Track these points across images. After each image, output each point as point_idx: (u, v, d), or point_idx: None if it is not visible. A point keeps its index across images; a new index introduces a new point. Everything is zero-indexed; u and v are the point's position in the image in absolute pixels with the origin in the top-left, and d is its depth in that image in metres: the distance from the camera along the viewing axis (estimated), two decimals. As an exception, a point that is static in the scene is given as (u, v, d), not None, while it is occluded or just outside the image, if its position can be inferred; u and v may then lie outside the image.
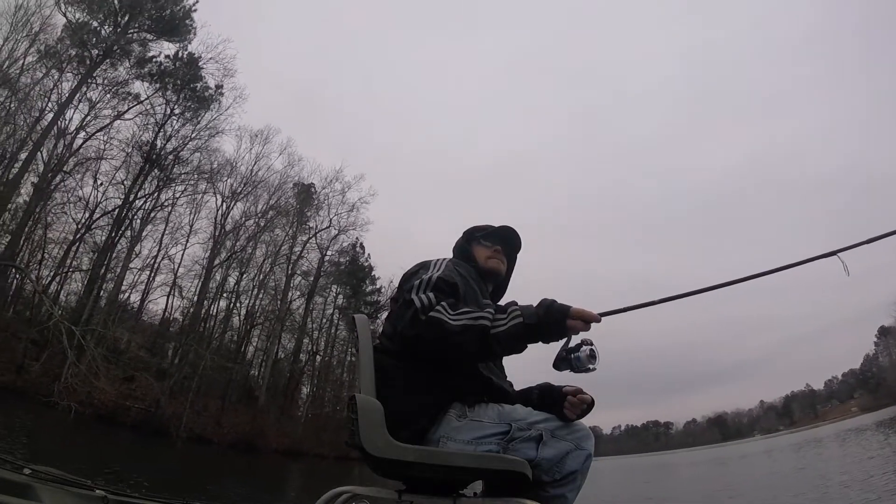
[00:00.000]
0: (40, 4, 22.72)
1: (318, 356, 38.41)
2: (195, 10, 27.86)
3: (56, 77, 24.19)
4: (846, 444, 22.97)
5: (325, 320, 39.87)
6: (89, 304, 24.41)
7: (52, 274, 25.55)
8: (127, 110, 26.92)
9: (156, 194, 28.47)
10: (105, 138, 26.46)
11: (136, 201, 27.67)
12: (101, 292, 26.26)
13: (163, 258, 30.05)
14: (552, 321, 1.55)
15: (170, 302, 30.95)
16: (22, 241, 24.00)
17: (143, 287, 29.67)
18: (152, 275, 29.73)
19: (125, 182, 27.37)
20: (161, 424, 22.54)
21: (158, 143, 28.16)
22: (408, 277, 1.85)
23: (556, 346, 1.69)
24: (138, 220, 28.02)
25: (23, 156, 22.94)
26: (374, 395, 1.62)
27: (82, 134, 25.58)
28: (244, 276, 32.80)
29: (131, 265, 28.10)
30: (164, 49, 27.85)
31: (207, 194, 31.40)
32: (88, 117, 25.64)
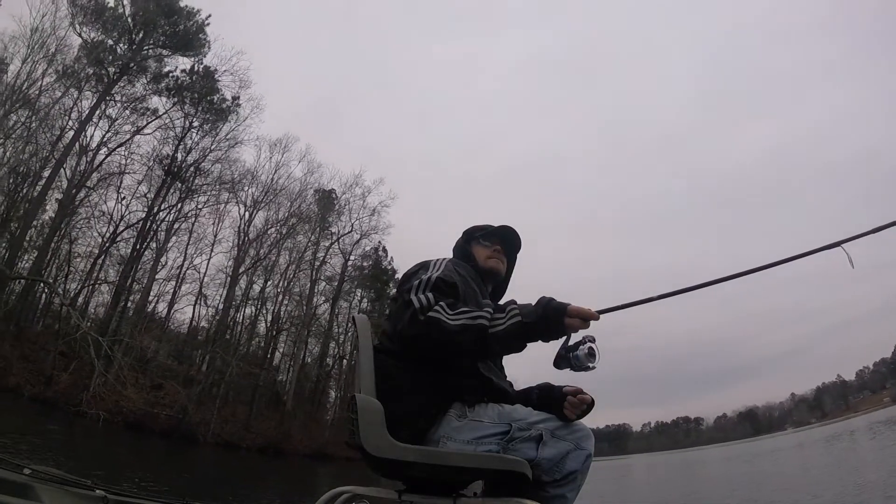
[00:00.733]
0: (55, 26, 23.41)
1: (344, 360, 38.71)
2: (208, 24, 28.35)
3: (75, 96, 24.92)
4: (878, 436, 22.37)
5: (350, 324, 39.73)
6: (115, 315, 24.98)
7: (78, 287, 26.37)
8: (146, 125, 27.58)
9: (178, 206, 29.09)
10: (126, 153, 27.22)
11: (160, 213, 28.33)
12: (128, 303, 26.86)
13: (188, 268, 30.71)
14: (550, 320, 1.54)
15: (196, 310, 31.64)
16: (48, 256, 24.74)
17: (170, 297, 30.39)
18: (178, 284, 30.40)
19: (148, 195, 28.05)
20: (189, 431, 22.93)
21: (179, 155, 28.79)
22: (407, 277, 1.85)
23: (557, 345, 1.69)
24: (163, 232, 28.68)
25: (46, 173, 23.67)
26: (374, 395, 1.62)
27: (104, 150, 26.35)
28: (269, 282, 33.29)
29: (157, 276, 28.75)
30: (179, 64, 28.43)
31: (230, 204, 31.97)
32: (109, 133, 26.41)
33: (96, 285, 27.16)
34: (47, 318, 25.49)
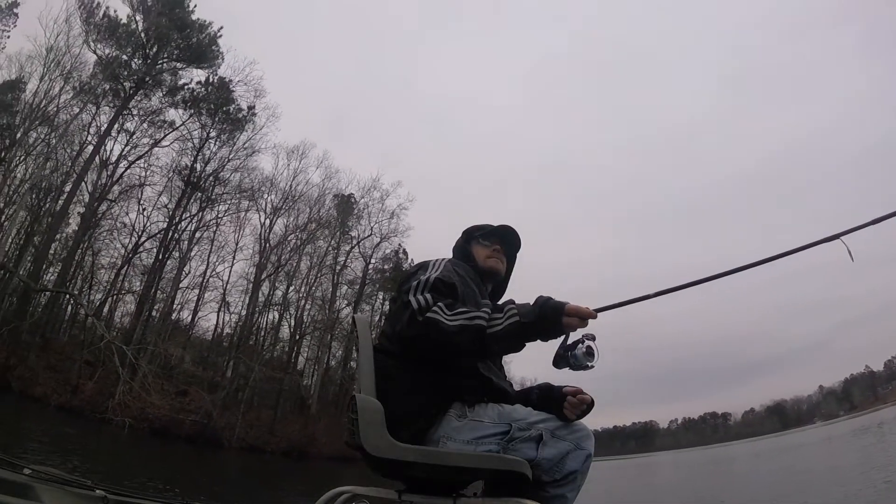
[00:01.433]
0: (69, 45, 23.94)
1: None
2: (220, 36, 28.77)
3: (93, 111, 25.59)
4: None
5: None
6: (139, 323, 25.53)
7: (103, 297, 27.08)
8: (163, 137, 28.15)
9: (199, 215, 29.67)
10: (145, 165, 27.86)
11: (181, 223, 28.90)
12: (153, 312, 27.41)
13: (210, 275, 31.33)
14: (548, 319, 1.53)
15: (220, 317, 32.31)
16: (73, 269, 25.40)
17: (194, 304, 31.03)
18: (201, 292, 31.03)
19: (168, 206, 28.67)
20: (214, 435, 23.30)
21: (198, 166, 29.33)
22: (406, 278, 1.84)
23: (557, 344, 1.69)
24: (185, 241, 29.29)
25: (67, 187, 24.35)
26: (374, 395, 1.62)
27: (123, 163, 27.03)
28: (291, 288, 33.69)
29: (181, 284, 29.36)
30: (194, 76, 28.97)
31: (250, 211, 32.50)
32: (128, 147, 27.10)
33: (120, 295, 27.85)
34: (73, 328, 26.15)
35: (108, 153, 26.45)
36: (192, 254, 29.94)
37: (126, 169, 27.05)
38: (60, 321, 26.24)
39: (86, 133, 25.50)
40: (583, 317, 1.54)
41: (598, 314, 1.61)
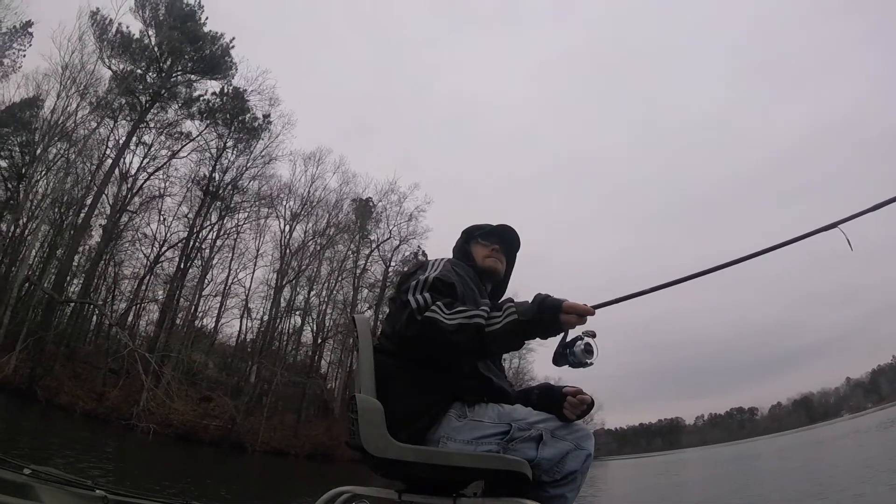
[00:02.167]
0: (83, 62, 24.42)
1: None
2: (233, 47, 29.17)
3: (111, 125, 26.16)
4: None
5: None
6: (163, 331, 26.02)
7: (126, 307, 27.70)
8: (180, 149, 28.71)
9: (219, 224, 30.19)
10: (164, 176, 28.43)
11: (202, 232, 29.40)
12: (176, 320, 27.94)
13: (232, 282, 31.88)
14: (546, 317, 1.52)
15: (243, 323, 32.76)
16: (96, 279, 25.97)
17: (217, 311, 31.65)
18: (224, 299, 31.59)
19: (189, 215, 29.22)
20: (238, 440, 23.64)
21: (216, 175, 29.82)
22: (406, 278, 1.84)
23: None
24: (206, 249, 29.85)
25: (88, 200, 24.91)
26: (374, 395, 1.62)
27: (143, 175, 27.58)
28: (312, 292, 34.07)
29: (204, 292, 29.94)
30: (209, 87, 29.41)
31: (269, 218, 32.92)
32: (146, 159, 27.64)
33: (143, 304, 28.43)
34: (98, 338, 26.74)
35: (127, 166, 27.07)
36: (214, 262, 30.52)
37: (145, 181, 27.64)
38: (85, 331, 26.87)
39: (104, 147, 26.09)
40: (581, 314, 1.53)
41: (597, 311, 1.59)
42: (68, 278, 24.64)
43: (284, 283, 31.99)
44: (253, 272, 32.73)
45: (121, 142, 26.14)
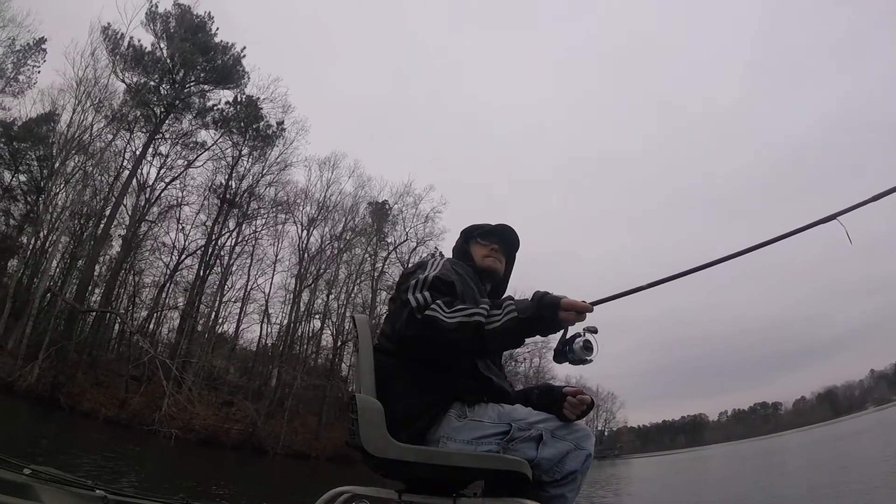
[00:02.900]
0: (97, 76, 25.01)
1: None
2: (244, 56, 29.54)
3: (127, 137, 26.77)
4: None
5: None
6: (183, 338, 26.45)
7: (147, 315, 28.20)
8: (196, 158, 29.24)
9: (237, 230, 30.67)
10: (181, 186, 29.00)
11: (220, 239, 29.90)
12: (197, 326, 28.40)
13: (251, 288, 32.35)
14: (545, 314, 1.53)
15: (263, 328, 33.19)
16: (117, 288, 26.48)
17: (237, 317, 32.19)
18: (244, 305, 32.10)
19: (207, 223, 29.68)
20: (259, 443, 23.88)
21: (233, 183, 30.31)
22: (405, 277, 1.84)
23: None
24: (225, 257, 30.32)
25: (108, 211, 25.46)
26: (374, 395, 1.62)
27: (160, 185, 28.15)
28: (331, 296, 34.41)
29: (224, 298, 30.51)
30: (222, 96, 29.87)
31: (287, 224, 33.29)
32: (163, 169, 28.21)
33: (164, 312, 28.95)
34: (121, 345, 27.25)
35: (144, 176, 27.63)
36: (233, 268, 31.02)
37: (162, 191, 28.20)
38: (108, 339, 27.46)
39: (121, 158, 26.72)
40: (579, 311, 1.54)
41: (595, 307, 1.61)
42: (90, 288, 25.23)
43: (303, 287, 32.34)
44: (272, 277, 33.17)
45: (137, 153, 26.77)
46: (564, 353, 1.70)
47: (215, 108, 29.51)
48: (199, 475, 13.26)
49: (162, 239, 28.79)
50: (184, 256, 28.99)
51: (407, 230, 37.10)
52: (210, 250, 29.25)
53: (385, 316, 2.01)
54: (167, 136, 27.99)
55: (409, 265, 2.19)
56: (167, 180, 28.16)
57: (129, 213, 26.97)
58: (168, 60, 26.93)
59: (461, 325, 1.56)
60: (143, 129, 26.94)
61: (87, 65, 24.56)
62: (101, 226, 25.06)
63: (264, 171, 31.10)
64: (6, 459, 2.13)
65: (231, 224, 30.32)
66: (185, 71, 27.50)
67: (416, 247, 37.49)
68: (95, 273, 25.60)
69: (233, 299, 31.48)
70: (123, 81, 26.10)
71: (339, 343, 34.04)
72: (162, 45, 27.08)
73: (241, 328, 32.61)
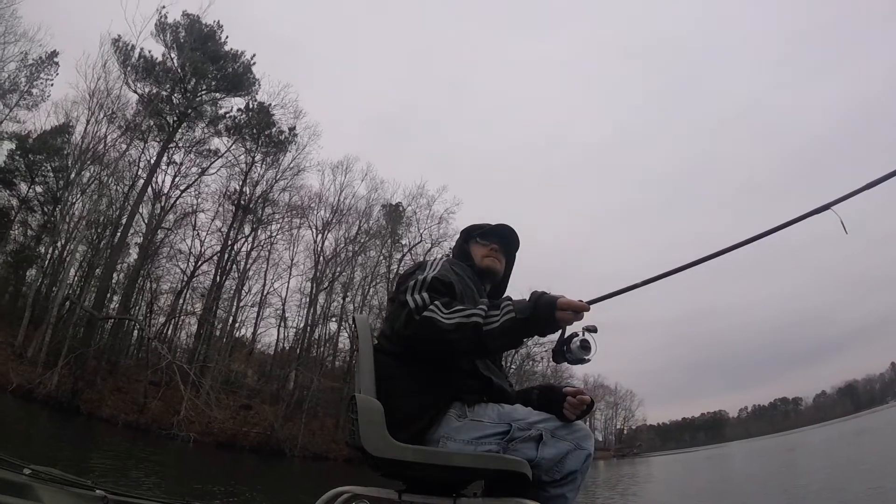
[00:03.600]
0: (109, 87, 25.56)
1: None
2: (254, 64, 29.84)
3: (141, 147, 27.24)
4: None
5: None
6: (201, 343, 26.80)
7: (165, 320, 28.62)
8: (210, 165, 29.67)
9: (252, 236, 31.03)
10: (196, 193, 29.48)
11: (236, 245, 30.27)
12: (214, 331, 28.77)
13: (268, 292, 32.74)
14: (542, 314, 1.53)
15: (280, 332, 33.64)
16: (135, 295, 26.90)
17: (254, 321, 32.64)
18: (261, 309, 32.51)
19: (222, 229, 30.09)
20: (277, 446, 24.12)
21: (247, 189, 30.61)
22: (405, 278, 1.83)
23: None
24: (241, 262, 30.74)
25: (124, 220, 25.89)
26: (374, 395, 1.62)
27: (175, 192, 28.59)
28: (346, 299, 34.61)
29: (241, 303, 30.95)
30: (234, 104, 30.22)
31: (302, 228, 33.65)
32: (177, 177, 28.63)
33: (181, 317, 29.36)
34: (140, 351, 27.70)
35: (159, 185, 28.08)
36: (250, 273, 31.41)
37: (177, 198, 28.63)
38: (127, 345, 27.91)
39: (136, 167, 27.17)
40: (576, 310, 1.54)
41: (592, 306, 1.60)
42: (108, 295, 25.71)
43: (319, 290, 32.62)
44: (288, 281, 33.56)
45: (151, 162, 27.16)
46: (562, 352, 1.69)
47: (227, 115, 29.91)
48: (216, 477, 13.43)
49: (178, 246, 29.25)
50: (200, 262, 29.44)
51: (421, 231, 37.16)
52: (226, 256, 29.64)
53: (385, 316, 2.01)
54: (180, 144, 28.44)
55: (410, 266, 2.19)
56: (182, 188, 28.64)
57: (146, 221, 27.45)
58: (179, 70, 27.32)
59: (459, 326, 1.56)
60: (157, 139, 27.41)
61: (99, 77, 25.15)
62: (118, 234, 25.50)
63: (278, 177, 31.45)
64: (6, 459, 2.14)
65: (246, 229, 30.71)
66: (197, 80, 27.81)
67: (430, 248, 37.53)
68: (113, 281, 26.13)
69: (250, 304, 31.93)
70: (136, 92, 26.60)
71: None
72: (172, 55, 27.51)
73: (258, 332, 33.10)
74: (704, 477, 23.07)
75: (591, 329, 1.65)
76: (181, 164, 28.63)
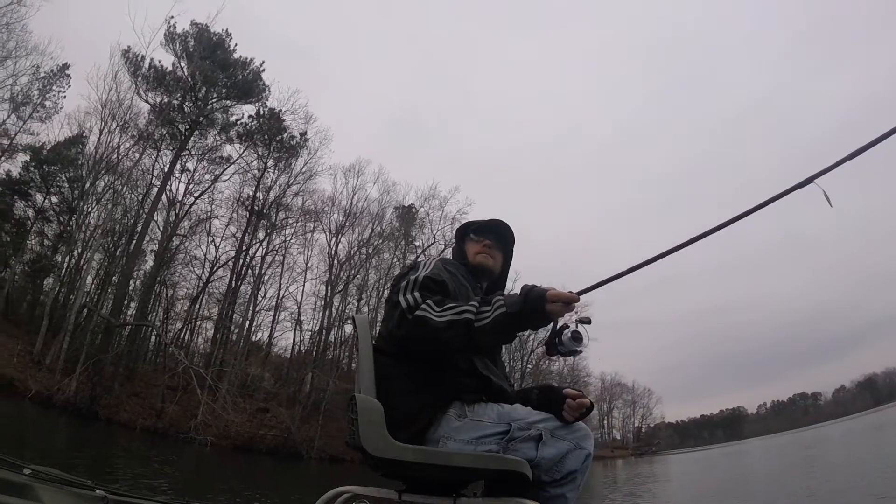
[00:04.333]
0: (121, 98, 26.06)
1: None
2: (263, 71, 30.10)
3: (154, 155, 27.71)
4: None
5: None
6: (217, 347, 27.09)
7: (182, 326, 29.03)
8: (222, 172, 30.05)
9: (266, 240, 31.35)
10: (209, 200, 29.91)
11: (250, 250, 30.62)
12: (231, 335, 29.07)
13: (283, 296, 33.05)
14: (532, 307, 1.52)
15: (296, 335, 33.88)
16: (151, 302, 27.27)
17: (270, 325, 33.00)
18: (276, 313, 32.82)
19: (236, 235, 30.49)
20: (294, 448, 24.31)
21: (260, 195, 30.98)
22: (398, 279, 1.83)
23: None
24: (256, 266, 31.07)
25: (139, 228, 26.23)
26: (374, 395, 1.63)
27: (189, 199, 29.00)
28: (361, 301, 34.73)
29: (257, 307, 31.24)
30: (245, 111, 30.54)
31: (316, 232, 33.93)
32: (191, 185, 29.07)
33: (197, 322, 29.74)
34: (158, 356, 28.10)
35: (173, 192, 28.49)
36: (265, 277, 31.74)
37: (191, 205, 29.02)
38: (144, 351, 28.31)
39: (150, 176, 27.60)
40: (566, 301, 1.52)
41: (581, 296, 1.61)
42: (125, 302, 26.08)
43: (334, 293, 32.85)
44: (303, 285, 33.86)
45: (165, 170, 27.52)
46: (555, 345, 1.70)
47: (238, 122, 30.25)
48: (233, 479, 13.57)
49: (193, 252, 29.65)
50: (216, 268, 29.83)
51: (434, 233, 37.19)
52: (241, 261, 30.03)
53: (382, 318, 1.98)
54: (193, 152, 28.81)
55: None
56: (196, 195, 29.05)
57: (161, 228, 27.87)
58: (189, 79, 27.65)
59: (451, 324, 1.56)
60: (170, 147, 27.79)
61: (111, 88, 25.65)
62: (134, 242, 25.91)
63: (290, 182, 31.75)
64: (6, 459, 2.15)
65: (261, 234, 31.06)
66: (207, 88, 28.12)
67: (444, 249, 37.55)
68: (130, 288, 26.48)
69: (265, 308, 32.23)
70: (147, 102, 27.02)
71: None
72: (182, 65, 27.86)
73: (274, 336, 33.45)
74: (717, 476, 22.77)
75: (585, 321, 1.66)
76: (194, 171, 29.12)
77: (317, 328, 33.13)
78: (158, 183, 27.17)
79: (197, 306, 29.63)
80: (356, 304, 34.19)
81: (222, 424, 21.29)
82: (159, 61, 27.21)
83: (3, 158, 24.19)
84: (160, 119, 26.65)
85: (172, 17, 27.26)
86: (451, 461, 1.56)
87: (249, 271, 30.74)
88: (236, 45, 29.32)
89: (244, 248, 30.04)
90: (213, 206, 30.07)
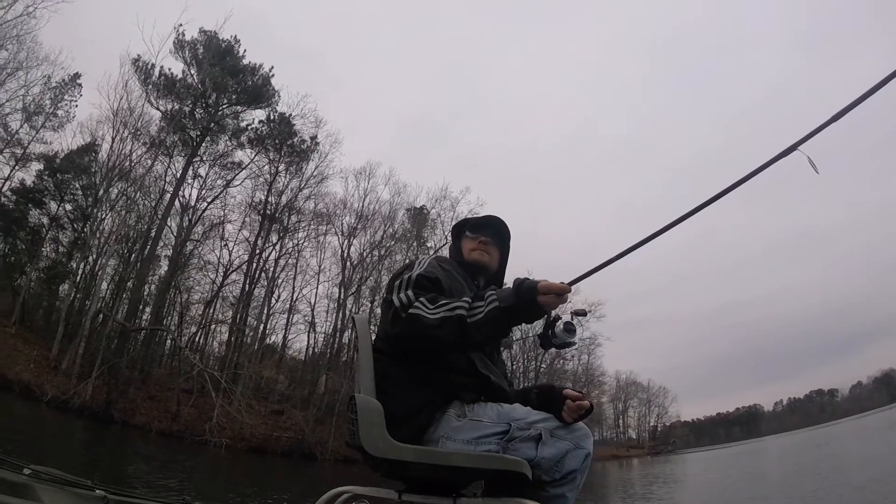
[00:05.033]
0: (132, 106, 26.24)
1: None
2: (273, 76, 30.48)
3: (166, 162, 28.04)
4: None
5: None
6: (231, 350, 27.33)
7: (197, 330, 29.33)
8: (234, 177, 30.40)
9: (279, 244, 31.65)
10: (222, 205, 30.21)
11: (263, 254, 30.95)
12: (245, 339, 29.37)
13: (296, 299, 33.35)
14: (525, 300, 1.52)
15: (310, 337, 34.17)
16: (166, 306, 27.60)
17: (284, 328, 33.18)
18: (290, 315, 33.11)
19: (249, 239, 30.78)
20: (308, 450, 24.41)
21: (272, 199, 31.27)
22: (393, 279, 1.84)
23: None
24: (270, 270, 31.40)
25: (153, 234, 26.63)
26: (374, 395, 1.63)
27: (202, 205, 29.27)
28: (374, 303, 34.77)
29: (271, 310, 31.56)
30: (255, 116, 30.91)
31: (328, 235, 34.21)
32: (203, 190, 29.36)
33: (212, 326, 30.02)
34: (173, 360, 28.45)
35: (186, 198, 28.81)
36: (279, 280, 32.07)
37: (204, 210, 29.29)
38: (159, 355, 28.74)
39: (162, 182, 27.96)
40: (558, 293, 1.52)
41: (573, 286, 1.62)
42: (140, 307, 26.46)
43: (347, 295, 33.05)
44: (316, 287, 34.14)
45: (177, 176, 27.93)
46: (548, 337, 1.70)
47: (249, 127, 30.59)
48: (245, 481, 13.71)
49: (207, 256, 29.94)
50: (230, 272, 30.13)
51: (446, 234, 37.26)
52: (254, 265, 30.35)
53: (379, 318, 2.01)
54: (205, 157, 29.13)
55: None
56: (208, 200, 29.32)
57: (174, 233, 28.20)
58: (199, 85, 28.00)
59: (443, 321, 1.56)
60: (182, 153, 28.12)
61: (122, 96, 25.87)
62: (148, 247, 26.26)
63: (302, 185, 32.01)
64: (6, 459, 2.17)
65: (273, 238, 31.33)
66: (217, 94, 28.45)
67: (454, 249, 37.65)
68: (144, 293, 26.83)
69: (279, 311, 32.50)
70: (158, 109, 27.34)
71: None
72: (192, 72, 28.22)
73: (288, 338, 33.61)
74: (729, 474, 22.54)
75: (580, 313, 1.69)
76: (206, 176, 29.43)
77: (330, 330, 33.44)
78: (171, 189, 27.58)
79: (211, 310, 29.95)
80: (369, 305, 34.22)
81: (237, 427, 21.47)
82: (169, 69, 27.64)
83: (17, 167, 24.61)
84: (171, 126, 26.97)
85: (181, 24, 27.76)
86: (450, 461, 1.56)
87: (263, 275, 31.09)
88: (245, 51, 29.72)
89: (257, 251, 30.38)
90: (226, 211, 30.42)
